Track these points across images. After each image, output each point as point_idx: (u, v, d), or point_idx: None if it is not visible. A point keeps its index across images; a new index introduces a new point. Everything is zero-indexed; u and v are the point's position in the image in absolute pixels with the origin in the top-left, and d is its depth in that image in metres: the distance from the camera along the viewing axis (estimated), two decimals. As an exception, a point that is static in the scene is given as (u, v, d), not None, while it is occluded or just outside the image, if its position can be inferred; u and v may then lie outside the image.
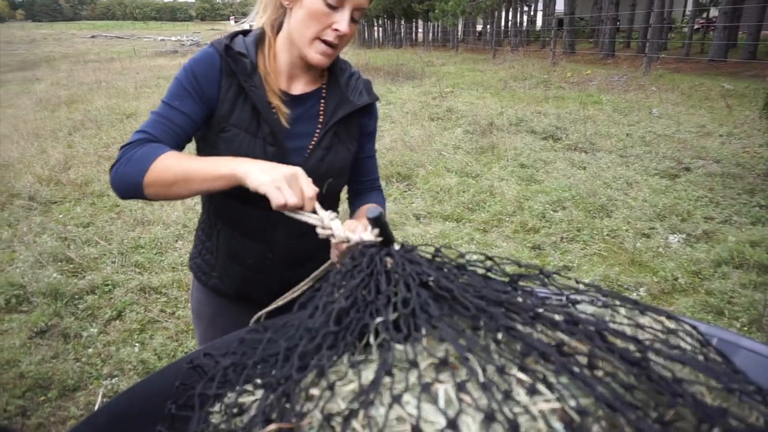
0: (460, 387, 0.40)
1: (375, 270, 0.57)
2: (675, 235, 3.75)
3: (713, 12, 18.87)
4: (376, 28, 39.75)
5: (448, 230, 3.98)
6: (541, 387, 0.41)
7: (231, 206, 1.08)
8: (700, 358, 0.51)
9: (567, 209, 4.25)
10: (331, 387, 0.45)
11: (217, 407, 0.58)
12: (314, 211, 0.87)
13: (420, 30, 33.70)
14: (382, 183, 4.99)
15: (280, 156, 1.05)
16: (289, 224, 0.94)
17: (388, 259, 0.59)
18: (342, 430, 0.41)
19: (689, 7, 20.45)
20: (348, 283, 0.57)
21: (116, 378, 2.45)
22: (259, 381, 0.56)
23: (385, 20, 36.43)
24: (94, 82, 13.61)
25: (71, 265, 3.49)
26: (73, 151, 6.57)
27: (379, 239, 0.70)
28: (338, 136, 1.14)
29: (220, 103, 1.05)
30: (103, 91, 11.78)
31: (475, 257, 0.61)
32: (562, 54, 16.65)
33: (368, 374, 0.45)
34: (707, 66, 12.88)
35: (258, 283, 1.20)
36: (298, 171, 0.87)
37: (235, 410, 0.54)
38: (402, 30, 34.11)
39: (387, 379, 0.43)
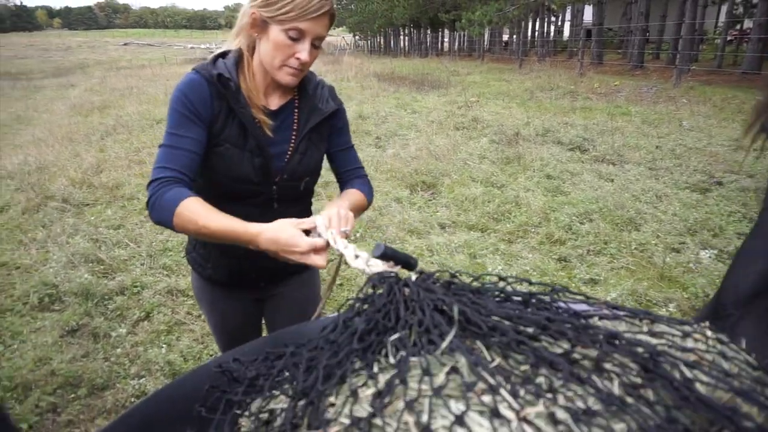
0: (468, 387, 0.43)
1: (394, 299, 0.59)
2: (706, 251, 3.67)
3: (747, 23, 18.47)
4: (402, 37, 39.95)
5: (473, 240, 3.95)
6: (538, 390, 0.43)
7: (220, 203, 1.15)
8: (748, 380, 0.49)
9: (594, 221, 4.19)
10: (354, 393, 0.47)
11: (246, 412, 0.59)
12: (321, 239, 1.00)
13: (446, 39, 33.76)
14: (407, 191, 5.05)
15: (264, 164, 1.22)
16: (276, 218, 1.11)
17: (406, 289, 0.61)
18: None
19: (722, 18, 20.06)
20: (368, 309, 0.60)
21: (143, 378, 2.49)
22: (286, 387, 0.58)
23: (411, 29, 36.59)
24: (125, 88, 13.97)
25: (102, 266, 3.58)
26: (105, 155, 6.74)
27: (396, 269, 0.74)
28: (311, 140, 1.30)
29: (213, 122, 1.19)
30: (134, 97, 12.08)
31: (489, 278, 0.63)
32: (589, 64, 16.48)
33: (385, 379, 0.48)
34: (740, 78, 12.59)
35: (246, 272, 1.37)
36: (292, 234, 0.99)
37: (264, 416, 0.56)
38: (428, 39, 34.22)
39: (400, 387, 0.45)
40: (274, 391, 0.58)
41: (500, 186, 5.21)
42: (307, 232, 1.03)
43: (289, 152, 1.27)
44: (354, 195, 1.31)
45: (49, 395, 2.39)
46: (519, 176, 5.50)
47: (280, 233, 0.99)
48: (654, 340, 0.54)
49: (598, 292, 3.20)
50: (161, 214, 1.07)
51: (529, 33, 25.86)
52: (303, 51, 1.14)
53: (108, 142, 7.61)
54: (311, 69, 1.32)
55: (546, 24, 24.82)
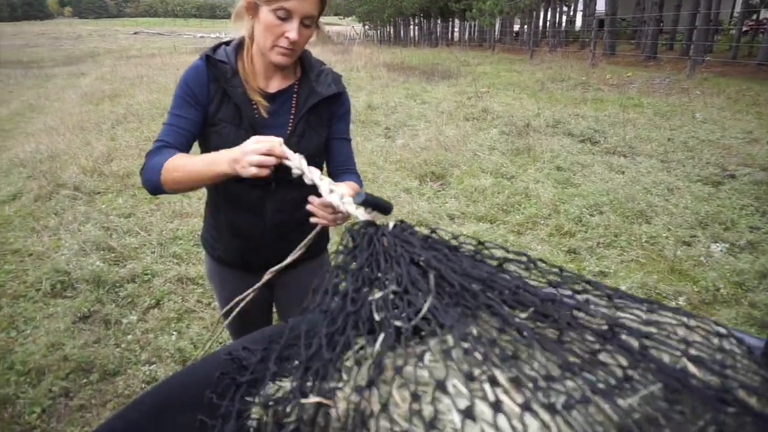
0: (446, 354, 0.46)
1: (374, 250, 0.61)
2: (718, 244, 3.64)
3: (764, 14, 18.15)
4: (412, 27, 39.68)
5: (482, 231, 3.94)
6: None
7: (228, 184, 1.29)
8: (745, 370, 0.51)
9: (604, 214, 4.16)
10: (358, 362, 0.50)
11: (255, 398, 0.61)
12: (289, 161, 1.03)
13: (456, 29, 33.48)
14: (416, 182, 5.04)
15: None
16: (276, 199, 1.31)
17: (384, 239, 0.63)
18: (368, 398, 0.47)
19: (737, 8, 19.72)
20: (352, 264, 0.62)
21: (154, 365, 2.52)
22: (293, 363, 0.60)
23: (422, 19, 36.34)
24: (136, 77, 14.00)
25: (113, 254, 3.61)
26: (115, 143, 6.78)
27: (372, 215, 0.76)
28: (309, 123, 1.34)
29: (210, 104, 1.28)
30: (144, 86, 12.11)
31: (468, 240, 0.66)
32: (601, 55, 16.29)
33: (375, 348, 0.51)
34: (756, 70, 12.40)
35: (255, 253, 1.42)
36: (255, 137, 1.05)
37: (274, 397, 0.58)
38: (438, 29, 33.97)
39: (390, 355, 0.49)
40: (282, 369, 0.60)
41: (510, 177, 5.19)
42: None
43: (287, 134, 1.32)
44: (353, 186, 1.31)
45: (62, 380, 2.42)
46: (529, 168, 5.47)
47: (244, 143, 1.05)
48: (621, 314, 0.56)
49: (607, 285, 3.18)
50: (150, 175, 1.19)
51: (541, 23, 25.59)
52: (292, 30, 1.17)
53: (118, 130, 7.65)
54: (320, 58, 1.40)
55: (558, 14, 24.52)
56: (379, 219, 0.79)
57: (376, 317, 0.54)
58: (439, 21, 33.33)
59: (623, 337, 0.50)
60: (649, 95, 9.70)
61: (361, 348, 0.53)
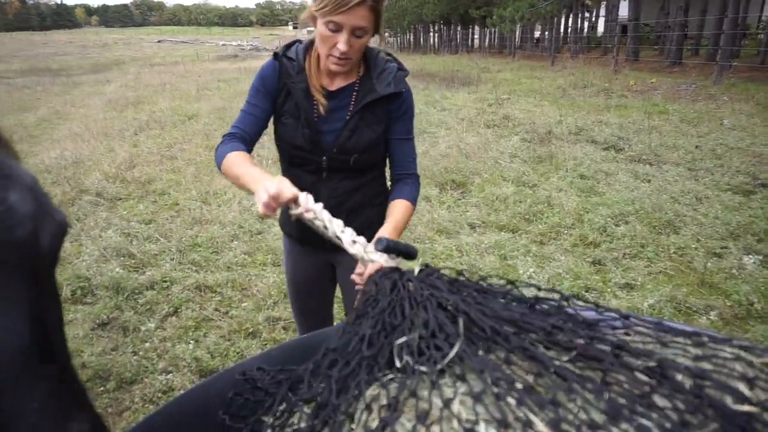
0: (477, 398, 0.44)
1: (399, 295, 0.60)
2: (750, 256, 3.50)
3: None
4: (431, 34, 39.71)
5: (504, 241, 3.87)
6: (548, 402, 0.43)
7: (291, 170, 1.48)
8: None
9: (630, 224, 4.05)
10: (368, 406, 0.48)
11: (268, 420, 0.60)
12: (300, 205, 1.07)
13: (476, 36, 33.40)
14: (436, 190, 4.99)
15: (313, 137, 1.40)
16: (329, 186, 1.45)
17: (410, 284, 0.62)
18: None
19: (766, 12, 19.30)
20: (373, 310, 0.61)
21: (171, 374, 2.49)
22: (303, 401, 0.59)
23: (441, 26, 36.33)
24: (159, 84, 14.24)
25: (133, 261, 3.62)
26: (138, 150, 6.86)
27: (397, 261, 0.75)
28: (364, 119, 1.41)
29: (279, 96, 1.42)
30: (167, 93, 12.29)
31: (497, 281, 0.64)
32: (624, 61, 16.06)
33: (393, 391, 0.49)
34: (785, 75, 12.07)
35: (312, 232, 1.46)
36: (274, 182, 1.08)
37: (286, 428, 0.57)
38: (458, 36, 33.92)
39: (412, 399, 0.47)
40: (293, 405, 0.59)
41: (532, 186, 5.10)
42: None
43: (341, 129, 1.41)
44: (400, 213, 1.37)
45: (80, 388, 2.41)
46: (551, 176, 5.37)
47: (267, 182, 1.08)
48: (669, 351, 0.52)
49: (634, 298, 3.08)
50: (217, 159, 1.33)
51: (562, 29, 25.37)
52: (341, 42, 1.25)
53: (141, 137, 7.75)
54: (387, 57, 1.47)
55: (579, 20, 24.27)
56: (407, 264, 0.76)
57: (398, 363, 0.51)
58: (459, 28, 33.28)
59: (674, 375, 0.45)
60: (675, 102, 9.50)
61: (377, 391, 0.51)
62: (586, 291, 3.21)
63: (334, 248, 1.51)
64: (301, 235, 1.59)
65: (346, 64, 1.31)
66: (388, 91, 1.39)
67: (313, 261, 1.65)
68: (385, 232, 1.29)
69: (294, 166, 1.47)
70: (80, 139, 7.42)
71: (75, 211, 4.64)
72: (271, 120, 1.48)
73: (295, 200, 1.05)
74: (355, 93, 1.41)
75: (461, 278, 0.63)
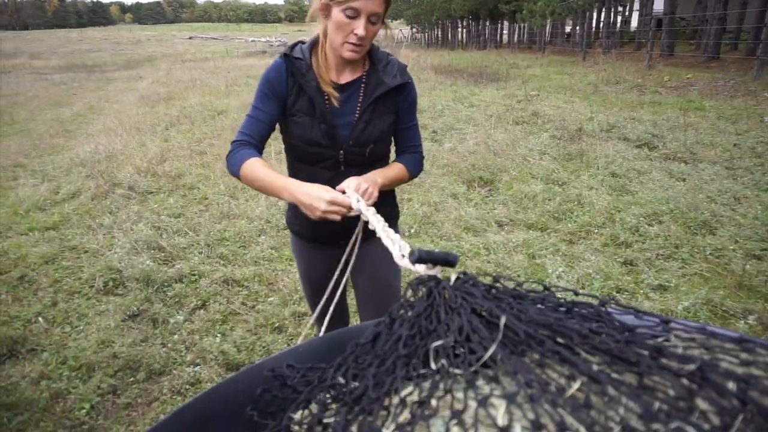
0: (510, 399, 0.43)
1: (435, 303, 0.61)
2: (792, 259, 3.36)
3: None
4: (460, 30, 39.35)
5: (532, 239, 3.80)
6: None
7: (303, 166, 1.50)
8: None
9: (664, 223, 3.93)
10: (403, 401, 0.48)
11: (297, 416, 0.60)
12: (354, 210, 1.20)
13: (505, 31, 32.96)
14: (463, 187, 4.94)
15: (330, 130, 1.43)
16: (340, 181, 1.37)
17: (446, 292, 0.62)
18: None
19: (810, 5, 18.50)
20: (409, 314, 0.62)
21: (198, 366, 2.53)
22: (337, 395, 0.60)
23: (470, 21, 35.98)
24: (189, 80, 14.46)
25: (162, 254, 3.68)
26: (168, 144, 6.98)
27: (435, 270, 0.75)
28: (376, 111, 1.47)
29: (288, 96, 1.44)
30: (197, 89, 12.47)
31: (528, 283, 0.64)
32: (659, 56, 15.63)
33: (427, 389, 0.50)
34: (830, 71, 11.57)
35: (325, 228, 1.51)
36: (320, 187, 1.24)
37: (318, 429, 0.56)
38: (487, 31, 33.54)
39: (447, 398, 0.47)
40: (326, 399, 0.59)
41: (561, 183, 5.00)
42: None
43: (354, 121, 1.46)
44: (393, 168, 1.51)
45: (110, 377, 2.46)
46: (582, 174, 5.26)
47: (312, 189, 1.23)
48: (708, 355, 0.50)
49: (668, 300, 2.99)
50: (232, 168, 1.38)
51: (594, 24, 24.83)
52: (359, 27, 1.31)
53: (172, 132, 7.88)
54: (386, 50, 1.54)
55: (612, 14, 23.72)
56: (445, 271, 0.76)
57: (433, 365, 0.52)
58: (487, 23, 32.90)
59: (717, 379, 0.43)
60: (712, 98, 9.20)
61: (411, 388, 0.51)
62: (617, 292, 3.13)
63: (346, 243, 1.57)
64: (314, 234, 1.63)
65: (361, 51, 1.36)
66: (396, 82, 1.46)
67: (325, 256, 1.67)
68: (372, 173, 1.43)
69: (309, 164, 1.49)
70: (113, 134, 7.59)
71: (108, 204, 4.75)
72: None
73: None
74: (363, 85, 1.47)
75: (497, 284, 0.63)
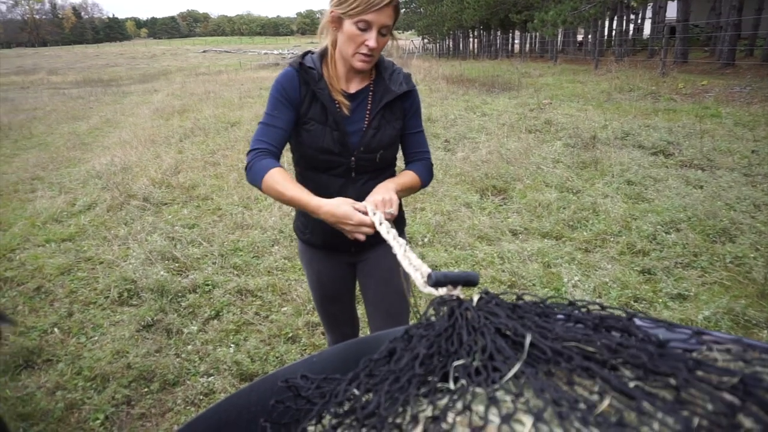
0: (538, 417, 0.42)
1: (457, 324, 0.59)
2: (815, 267, 3.28)
3: None
4: (471, 40, 39.46)
5: (547, 248, 3.76)
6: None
7: (314, 174, 1.52)
8: None
9: (681, 231, 3.86)
10: (414, 417, 0.47)
11: (311, 428, 0.59)
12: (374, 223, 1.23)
13: (517, 41, 32.98)
14: (477, 196, 4.91)
15: (341, 137, 1.46)
16: (356, 187, 1.51)
17: (469, 313, 0.61)
18: None
19: (827, 10, 18.26)
20: (429, 333, 0.60)
21: (212, 377, 2.52)
22: (349, 411, 0.58)
23: (481, 31, 36.07)
24: (203, 93, 14.64)
25: (177, 264, 3.69)
26: (183, 156, 7.04)
27: (456, 291, 0.73)
28: (384, 117, 1.51)
29: (301, 104, 1.47)
30: (211, 101, 12.62)
31: (558, 301, 0.63)
32: (672, 64, 15.51)
33: (443, 405, 0.48)
34: None
35: (337, 236, 1.49)
36: (347, 209, 1.26)
37: None
38: (498, 41, 33.58)
39: (465, 415, 0.45)
40: (337, 413, 0.57)
41: (576, 192, 4.95)
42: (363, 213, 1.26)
43: (364, 128, 1.49)
44: (405, 176, 1.52)
45: (125, 388, 2.46)
46: (596, 181, 5.21)
47: (337, 208, 1.25)
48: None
49: (687, 309, 2.93)
50: (254, 178, 1.39)
51: (606, 32, 24.74)
52: (371, 39, 1.35)
53: (186, 144, 7.96)
54: (391, 59, 1.59)
55: (624, 22, 23.63)
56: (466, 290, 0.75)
57: (452, 385, 0.50)
58: (499, 33, 32.94)
59: (761, 393, 0.41)
60: (728, 104, 9.09)
61: (426, 405, 0.49)
62: (635, 301, 3.08)
63: (357, 252, 1.63)
64: (325, 242, 1.64)
65: (372, 61, 1.41)
66: (403, 90, 1.51)
67: (335, 263, 1.70)
68: (385, 182, 1.45)
69: (320, 171, 1.52)
70: (129, 146, 7.68)
71: (123, 215, 4.79)
72: None
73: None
74: (371, 94, 1.51)
75: (521, 302, 0.61)
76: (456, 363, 0.51)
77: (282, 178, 1.35)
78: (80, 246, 4.17)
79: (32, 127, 10.65)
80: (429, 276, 0.81)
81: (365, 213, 1.26)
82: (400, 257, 0.94)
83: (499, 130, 7.78)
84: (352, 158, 1.49)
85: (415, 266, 0.87)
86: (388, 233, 1.05)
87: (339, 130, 1.46)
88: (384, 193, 1.35)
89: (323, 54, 1.49)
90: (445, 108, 9.99)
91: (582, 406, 0.42)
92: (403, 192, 1.50)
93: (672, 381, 0.44)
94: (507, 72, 17.99)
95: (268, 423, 0.73)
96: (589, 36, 24.70)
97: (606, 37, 24.37)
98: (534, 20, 20.50)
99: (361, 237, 1.25)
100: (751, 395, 0.40)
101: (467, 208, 4.66)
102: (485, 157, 6.10)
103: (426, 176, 1.58)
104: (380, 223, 1.15)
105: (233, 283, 3.37)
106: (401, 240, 0.99)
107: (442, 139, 7.40)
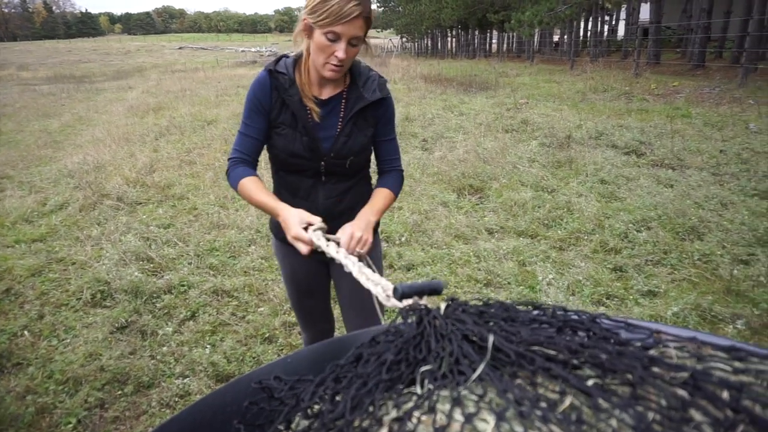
0: (500, 416, 0.43)
1: (425, 332, 0.61)
2: (779, 263, 3.39)
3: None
4: (449, 39, 39.65)
5: (522, 247, 3.81)
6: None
7: (285, 174, 1.58)
8: None
9: (652, 230, 3.96)
10: (378, 421, 0.48)
11: (284, 429, 0.60)
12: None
13: (494, 40, 33.26)
14: (453, 195, 4.95)
15: (312, 143, 1.49)
16: (326, 188, 1.57)
17: (437, 321, 0.62)
18: None
19: (792, 14, 18.82)
20: (397, 339, 0.61)
21: (188, 378, 2.50)
22: (316, 414, 0.60)
23: (459, 31, 36.28)
24: (179, 90, 14.42)
25: (151, 265, 3.65)
26: (158, 155, 6.94)
27: (423, 300, 0.75)
28: (356, 125, 1.53)
29: (272, 110, 1.50)
30: (187, 99, 12.45)
31: (516, 288, 0.63)
32: (645, 65, 15.83)
33: (408, 406, 0.49)
34: (813, 78, 11.76)
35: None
36: (294, 222, 1.31)
37: None
38: (476, 41, 33.82)
39: (428, 415, 0.46)
40: (307, 417, 0.59)
41: (551, 191, 5.03)
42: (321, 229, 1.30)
43: (336, 135, 1.51)
44: (382, 199, 1.55)
45: (98, 391, 2.43)
46: (571, 181, 5.30)
47: (288, 218, 1.32)
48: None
49: (657, 305, 3.01)
50: (231, 183, 1.49)
51: (581, 33, 25.12)
52: (340, 50, 1.36)
53: (161, 142, 7.85)
54: (368, 64, 1.59)
55: (599, 23, 24.02)
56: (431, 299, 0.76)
57: (419, 390, 0.51)
58: (476, 33, 33.18)
59: (709, 388, 0.43)
60: (698, 105, 9.33)
61: (391, 408, 0.51)
62: (607, 298, 3.15)
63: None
64: None
65: (341, 71, 1.42)
66: (375, 97, 1.51)
67: (308, 262, 1.71)
68: (365, 212, 1.47)
69: (291, 172, 1.57)
70: (102, 145, 7.54)
71: (96, 215, 4.70)
72: None
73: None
74: (344, 101, 1.52)
75: (487, 307, 0.63)
76: (423, 368, 0.52)
77: (252, 186, 1.44)
78: (51, 247, 4.09)
79: (1, 125, 10.37)
80: (395, 290, 0.82)
81: (337, 243, 1.30)
82: (356, 274, 0.92)
83: (476, 129, 7.84)
84: (322, 162, 1.52)
85: (374, 281, 0.87)
86: (338, 252, 1.04)
87: (309, 135, 1.48)
88: (362, 230, 1.37)
89: (297, 59, 1.50)
90: (423, 107, 10.04)
91: (543, 404, 0.44)
92: (382, 214, 1.55)
93: (630, 378, 0.46)
94: (484, 71, 18.14)
95: (241, 425, 0.74)
96: (565, 36, 25.06)
97: (581, 38, 24.75)
98: (511, 20, 20.72)
99: (303, 249, 1.26)
100: (700, 390, 0.42)
101: (444, 207, 4.70)
102: (462, 157, 6.15)
103: (398, 189, 1.62)
104: (337, 251, 1.10)
105: (209, 284, 3.35)
106: (353, 258, 0.98)
107: (419, 138, 7.43)
